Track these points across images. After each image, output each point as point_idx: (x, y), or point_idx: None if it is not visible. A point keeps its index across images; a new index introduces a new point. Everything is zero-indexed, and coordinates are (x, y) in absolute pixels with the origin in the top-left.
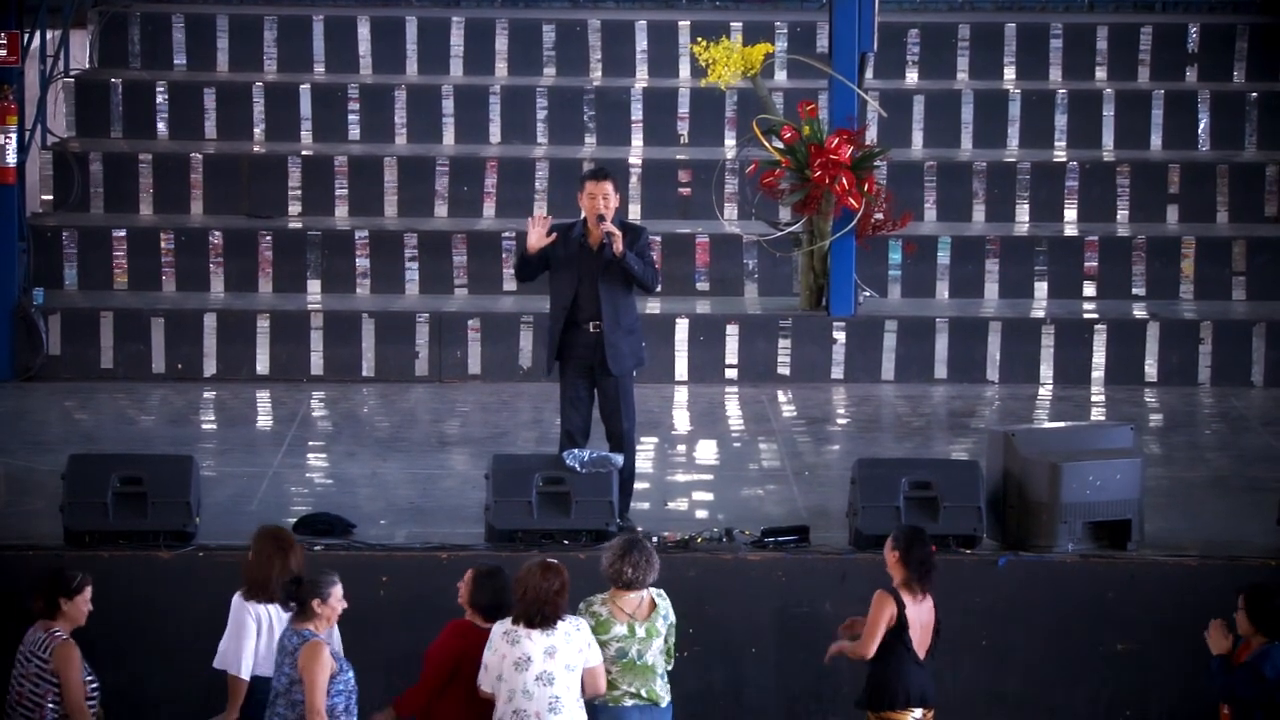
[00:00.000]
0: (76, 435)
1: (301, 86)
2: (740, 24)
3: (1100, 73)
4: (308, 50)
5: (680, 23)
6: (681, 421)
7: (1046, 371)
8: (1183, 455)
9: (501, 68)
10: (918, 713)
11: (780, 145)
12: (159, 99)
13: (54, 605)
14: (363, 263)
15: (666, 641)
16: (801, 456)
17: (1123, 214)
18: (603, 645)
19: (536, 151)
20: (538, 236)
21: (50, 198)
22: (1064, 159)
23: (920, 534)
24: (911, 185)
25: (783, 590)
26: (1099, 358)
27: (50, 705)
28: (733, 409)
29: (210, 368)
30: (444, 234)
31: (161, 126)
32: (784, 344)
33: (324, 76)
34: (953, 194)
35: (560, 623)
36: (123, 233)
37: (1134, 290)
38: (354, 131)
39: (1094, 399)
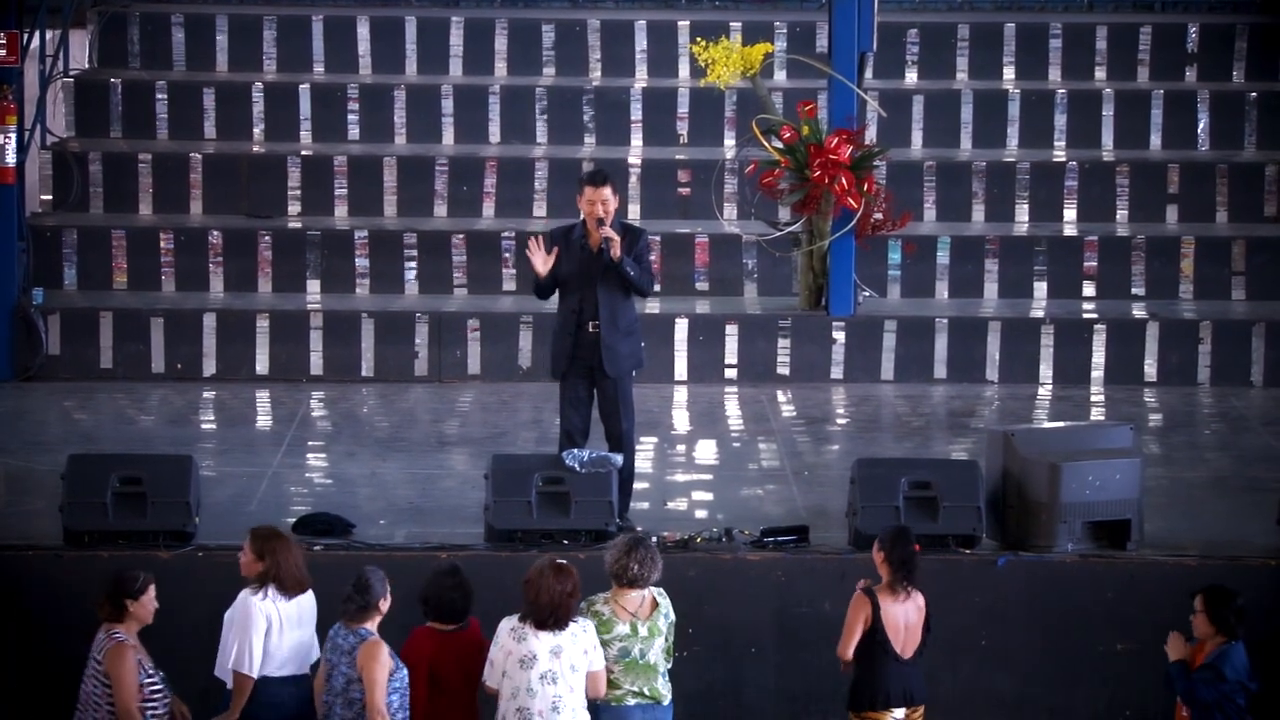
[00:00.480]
0: (76, 435)
1: (301, 86)
2: (740, 24)
3: (1100, 73)
4: (307, 50)
5: (680, 23)
6: (681, 421)
7: (1046, 371)
8: (1182, 455)
9: (501, 68)
10: (899, 713)
11: (780, 145)
12: (158, 99)
13: (120, 607)
14: (362, 263)
15: (667, 640)
16: (801, 456)
17: (1122, 214)
18: (605, 644)
19: (536, 151)
20: (542, 259)
21: (50, 198)
22: (1063, 159)
23: (903, 533)
24: (911, 185)
25: (782, 590)
26: (1098, 357)
27: (107, 707)
28: (732, 409)
29: (210, 368)
30: (443, 234)
31: (161, 126)
32: (783, 344)
33: (323, 76)
34: (952, 194)
35: (571, 624)
36: (122, 233)
37: (1133, 290)
38: (353, 131)
39: (1093, 399)
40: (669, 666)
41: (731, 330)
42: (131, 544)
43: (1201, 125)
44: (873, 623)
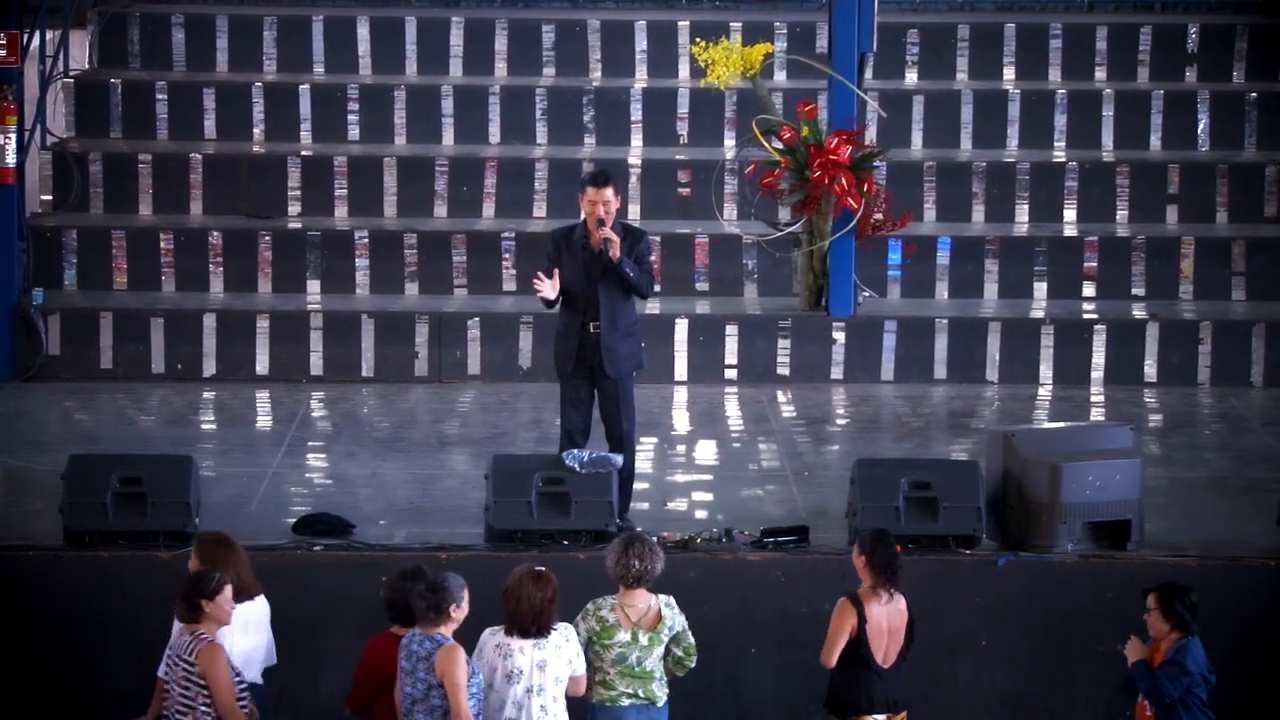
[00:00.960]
0: (76, 435)
1: (301, 87)
2: (740, 24)
3: (1100, 73)
4: (307, 50)
5: (680, 23)
6: (681, 422)
7: (1046, 372)
8: (1182, 455)
9: (501, 68)
10: (880, 718)
11: (780, 145)
12: (158, 99)
13: (196, 608)
14: (362, 263)
15: (682, 644)
16: (801, 457)
17: (1122, 214)
18: (605, 649)
19: (536, 152)
20: (550, 288)
21: (50, 198)
22: (1063, 159)
23: (883, 535)
24: (911, 185)
25: (782, 590)
26: (1098, 358)
27: (203, 708)
28: (732, 409)
29: (210, 368)
30: (443, 234)
31: (161, 127)
32: (783, 344)
33: (323, 77)
34: (952, 194)
35: (552, 633)
36: (122, 233)
37: (1133, 290)
38: (353, 132)
39: (1093, 399)
40: (691, 666)
41: (731, 331)
42: (131, 544)
43: (1202, 125)
44: (858, 632)
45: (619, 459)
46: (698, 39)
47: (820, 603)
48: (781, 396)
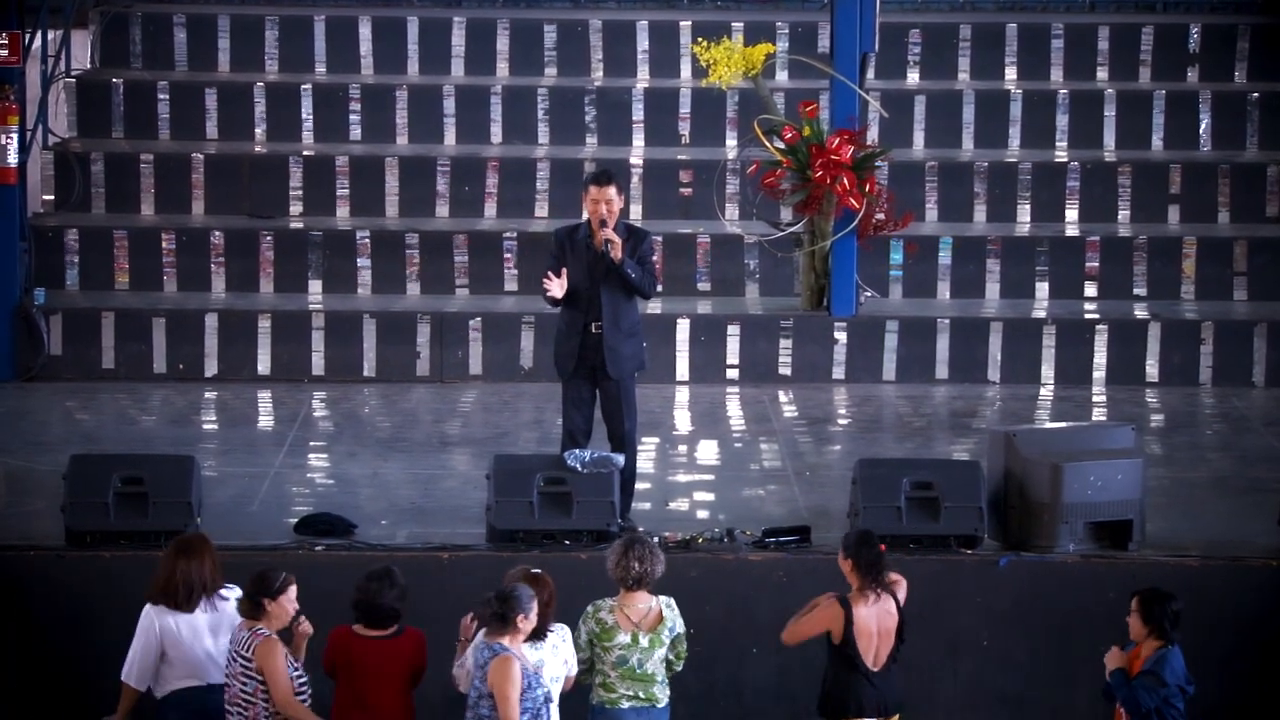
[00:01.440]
0: (77, 435)
1: (303, 87)
2: (741, 24)
3: (1101, 73)
4: (309, 50)
5: (681, 23)
6: (683, 422)
7: (1048, 372)
8: (1184, 456)
9: (503, 68)
10: None
11: (781, 145)
12: (160, 99)
13: (258, 606)
14: (364, 263)
15: (676, 648)
16: (803, 457)
17: (1124, 214)
18: (605, 651)
19: (538, 152)
20: (559, 286)
21: (52, 198)
22: (1065, 159)
23: (867, 536)
24: (913, 185)
25: (784, 590)
26: (1100, 358)
27: (261, 703)
28: (734, 409)
29: (211, 368)
30: (445, 234)
31: (163, 127)
32: (785, 344)
33: (325, 77)
34: (954, 194)
35: (549, 634)
36: (124, 233)
37: (1135, 290)
38: (355, 132)
39: (1095, 399)
40: (678, 670)
41: (733, 330)
42: (133, 544)
43: (1203, 126)
44: (844, 635)
45: (621, 459)
46: (699, 39)
47: None
48: (783, 396)
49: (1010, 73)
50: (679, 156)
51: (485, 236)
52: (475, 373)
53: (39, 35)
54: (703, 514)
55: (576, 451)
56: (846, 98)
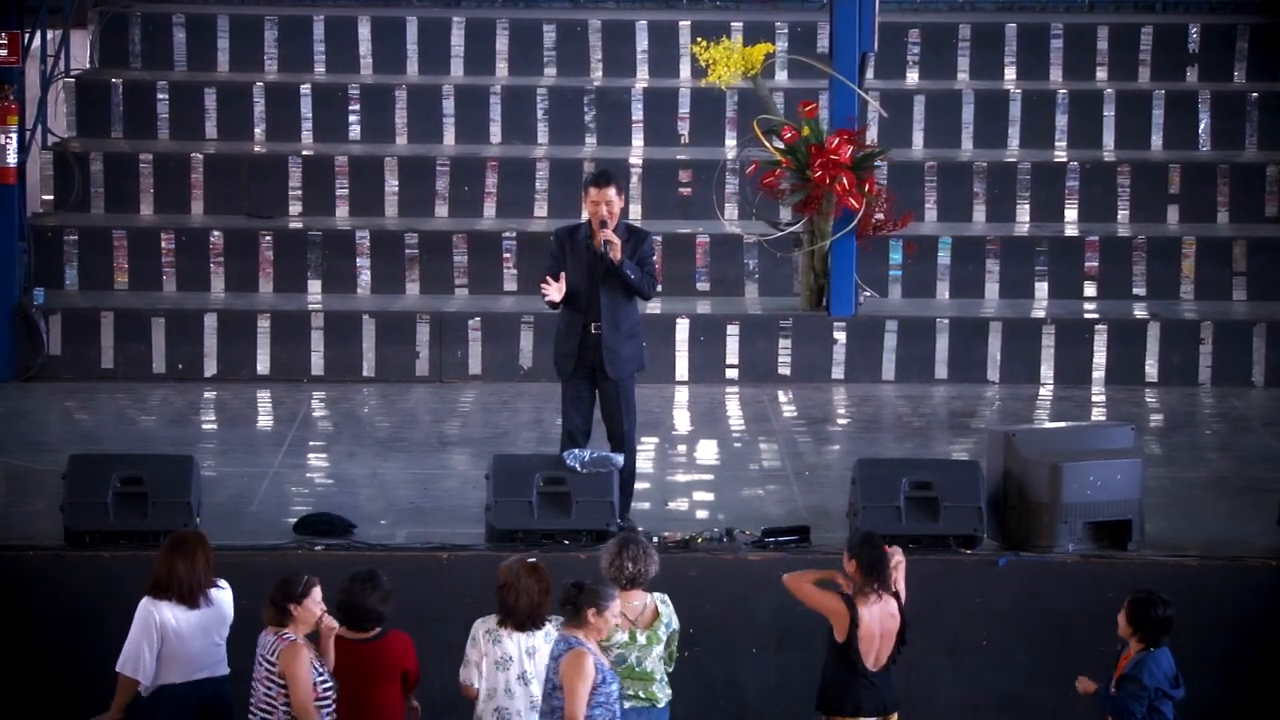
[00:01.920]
0: (77, 435)
1: (302, 87)
2: (740, 24)
3: (1101, 73)
4: (308, 50)
5: (681, 23)
6: (682, 421)
7: (1047, 372)
8: (1183, 455)
9: (502, 68)
10: None
11: (781, 145)
12: (159, 99)
13: (283, 611)
14: (363, 263)
15: (668, 647)
16: (802, 456)
17: (1123, 214)
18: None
19: (537, 152)
20: (557, 290)
21: (51, 198)
22: (1064, 159)
23: (870, 537)
24: (912, 185)
25: (783, 590)
26: (1099, 358)
27: (282, 709)
28: (733, 409)
29: (211, 368)
30: (444, 234)
31: (162, 127)
32: (784, 344)
33: (324, 77)
34: (953, 194)
35: (547, 623)
36: (123, 233)
37: (1134, 290)
38: (354, 132)
39: (1094, 399)
40: (669, 670)
41: (732, 330)
42: (132, 544)
43: (1203, 125)
44: (848, 635)
45: (620, 459)
46: (699, 39)
47: None
48: (782, 396)
49: (1009, 73)
50: (678, 156)
51: (484, 236)
52: (474, 373)
53: (38, 35)
54: (702, 514)
55: (576, 451)
56: (846, 98)
